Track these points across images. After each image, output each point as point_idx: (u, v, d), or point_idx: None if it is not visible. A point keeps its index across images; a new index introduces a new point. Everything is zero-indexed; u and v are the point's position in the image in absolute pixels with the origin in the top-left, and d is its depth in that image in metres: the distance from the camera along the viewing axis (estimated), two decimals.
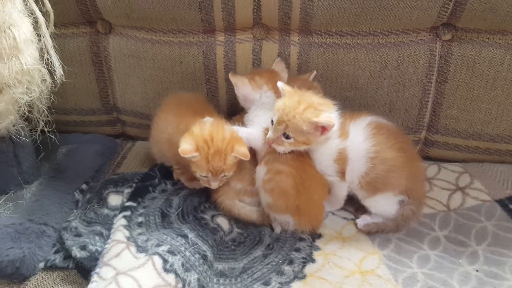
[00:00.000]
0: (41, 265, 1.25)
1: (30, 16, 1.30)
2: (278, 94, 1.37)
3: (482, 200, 1.45)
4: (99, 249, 1.25)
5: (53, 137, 1.42)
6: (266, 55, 1.58)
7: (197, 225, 1.33)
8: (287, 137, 1.26)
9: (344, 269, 1.23)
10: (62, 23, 1.65)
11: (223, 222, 1.38)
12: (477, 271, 1.21)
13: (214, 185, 1.36)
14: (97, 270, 1.16)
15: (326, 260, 1.26)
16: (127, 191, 1.48)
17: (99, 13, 1.61)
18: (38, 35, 1.33)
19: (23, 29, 1.27)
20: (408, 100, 1.56)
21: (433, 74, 1.51)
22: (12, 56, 1.25)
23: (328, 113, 1.25)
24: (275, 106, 1.30)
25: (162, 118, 1.51)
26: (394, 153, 1.30)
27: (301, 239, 1.34)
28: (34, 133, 1.44)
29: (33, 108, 1.36)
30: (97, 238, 1.30)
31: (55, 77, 1.35)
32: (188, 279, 1.14)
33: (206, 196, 1.47)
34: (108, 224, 1.36)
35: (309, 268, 1.24)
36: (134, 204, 1.41)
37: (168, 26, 1.58)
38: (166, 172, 1.56)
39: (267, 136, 1.31)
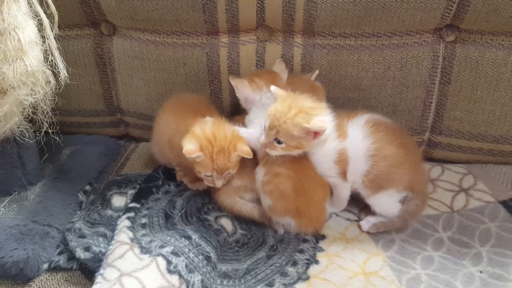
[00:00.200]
0: (45, 266, 1.25)
1: (34, 18, 1.31)
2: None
3: (486, 202, 1.45)
4: (103, 250, 1.25)
5: (57, 138, 1.43)
6: (270, 57, 1.58)
7: (201, 226, 1.33)
8: (279, 142, 1.26)
9: (347, 271, 1.23)
10: (66, 25, 1.66)
11: (226, 223, 1.38)
12: (481, 272, 1.21)
13: (218, 183, 1.36)
14: (101, 271, 1.17)
15: (329, 262, 1.26)
16: (131, 192, 1.48)
17: (103, 15, 1.61)
18: (43, 37, 1.33)
19: (27, 31, 1.27)
20: (411, 101, 1.56)
21: (436, 76, 1.51)
22: (17, 58, 1.26)
23: (320, 117, 1.24)
24: (267, 111, 1.29)
25: (164, 119, 1.51)
26: (395, 149, 1.30)
27: (304, 241, 1.34)
28: (38, 134, 1.44)
29: (37, 109, 1.37)
30: (101, 239, 1.30)
31: (59, 78, 1.35)
32: (192, 280, 1.14)
33: (209, 197, 1.47)
34: (112, 225, 1.36)
35: (312, 270, 1.24)
36: (138, 206, 1.41)
37: (171, 28, 1.58)
38: (169, 173, 1.57)
39: (260, 140, 1.31)
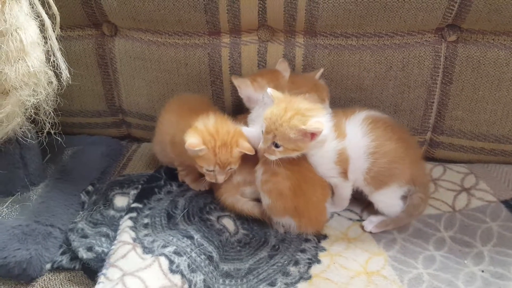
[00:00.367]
0: (48, 266, 1.26)
1: (36, 19, 1.31)
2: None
3: (488, 201, 1.45)
4: (106, 250, 1.26)
5: (59, 139, 1.43)
6: (271, 57, 1.58)
7: (203, 226, 1.34)
8: (276, 146, 1.25)
9: (349, 270, 1.23)
10: (68, 26, 1.66)
11: (228, 223, 1.38)
12: (483, 271, 1.21)
13: (220, 178, 1.36)
14: (104, 271, 1.17)
15: (331, 261, 1.26)
16: (133, 192, 1.48)
17: (105, 15, 1.62)
18: (45, 37, 1.33)
19: (29, 31, 1.27)
20: (413, 101, 1.56)
21: (438, 75, 1.52)
22: (19, 59, 1.26)
23: (316, 118, 1.24)
24: (263, 115, 1.29)
25: (166, 118, 1.52)
26: (394, 144, 1.30)
27: (306, 240, 1.34)
28: (40, 135, 1.45)
29: (39, 110, 1.37)
30: (103, 239, 1.31)
31: (61, 79, 1.35)
32: (194, 279, 1.14)
33: (211, 197, 1.47)
34: (114, 225, 1.36)
35: (314, 269, 1.24)
36: (140, 206, 1.42)
37: (173, 28, 1.58)
38: (171, 173, 1.57)
39: (259, 146, 1.31)
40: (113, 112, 1.82)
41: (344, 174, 1.34)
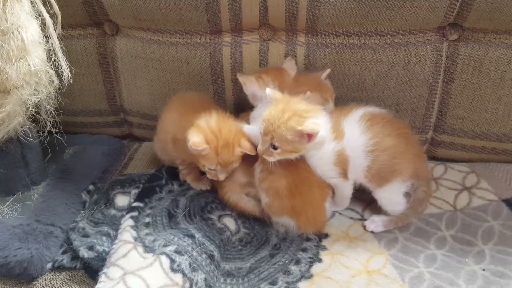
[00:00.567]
0: (49, 265, 1.26)
1: (37, 18, 1.31)
2: (283, 91, 1.37)
3: (489, 200, 1.44)
4: (107, 249, 1.26)
5: (60, 138, 1.43)
6: (273, 56, 1.58)
7: (204, 225, 1.34)
8: (274, 148, 1.25)
9: (350, 269, 1.23)
10: (70, 25, 1.66)
11: (230, 222, 1.38)
12: (484, 270, 1.21)
13: (221, 177, 1.37)
14: (105, 270, 1.17)
15: (333, 260, 1.26)
16: (134, 191, 1.48)
17: (106, 14, 1.62)
18: (46, 36, 1.34)
19: (31, 30, 1.28)
20: (414, 100, 1.56)
21: (439, 74, 1.51)
22: (20, 58, 1.26)
23: (314, 119, 1.23)
24: (261, 116, 1.28)
25: (168, 117, 1.52)
26: (394, 140, 1.29)
27: (307, 239, 1.34)
28: (41, 134, 1.45)
29: (40, 109, 1.37)
30: (104, 238, 1.31)
31: (63, 78, 1.35)
32: (195, 278, 1.14)
33: (212, 196, 1.47)
34: (115, 224, 1.36)
35: (316, 268, 1.24)
36: (141, 205, 1.42)
37: (174, 27, 1.59)
38: (173, 173, 1.57)
39: (258, 148, 1.30)
40: (114, 111, 1.82)
41: (344, 174, 1.33)
